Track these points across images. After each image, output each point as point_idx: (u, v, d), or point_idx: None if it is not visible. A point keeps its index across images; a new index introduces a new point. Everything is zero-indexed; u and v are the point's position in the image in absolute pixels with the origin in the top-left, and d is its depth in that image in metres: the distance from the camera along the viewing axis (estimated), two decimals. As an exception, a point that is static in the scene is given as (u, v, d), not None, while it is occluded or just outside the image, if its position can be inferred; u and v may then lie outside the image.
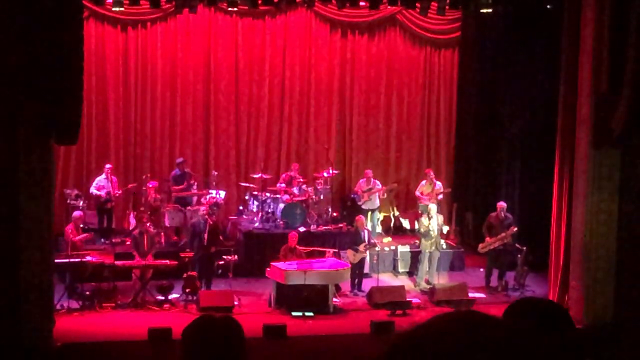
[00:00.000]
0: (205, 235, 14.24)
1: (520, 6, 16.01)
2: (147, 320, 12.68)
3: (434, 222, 15.10)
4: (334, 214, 17.19)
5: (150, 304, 13.68)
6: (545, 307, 2.62)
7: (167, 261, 14.09)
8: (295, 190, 16.90)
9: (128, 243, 15.10)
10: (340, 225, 16.50)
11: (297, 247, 14.44)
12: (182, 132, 17.93)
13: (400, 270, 16.10)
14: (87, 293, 13.51)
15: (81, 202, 16.12)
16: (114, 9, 15.90)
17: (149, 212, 15.75)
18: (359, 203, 17.21)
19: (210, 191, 16.65)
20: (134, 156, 17.80)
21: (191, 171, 17.14)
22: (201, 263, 14.33)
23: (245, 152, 18.30)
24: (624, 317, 12.39)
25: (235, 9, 16.43)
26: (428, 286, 14.94)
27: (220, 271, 14.39)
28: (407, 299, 14.04)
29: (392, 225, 18.21)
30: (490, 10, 15.74)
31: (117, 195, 16.44)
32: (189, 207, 16.41)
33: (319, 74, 18.37)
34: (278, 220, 16.44)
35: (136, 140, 17.76)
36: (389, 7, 17.11)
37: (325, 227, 16.47)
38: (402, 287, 14.51)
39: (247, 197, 17.31)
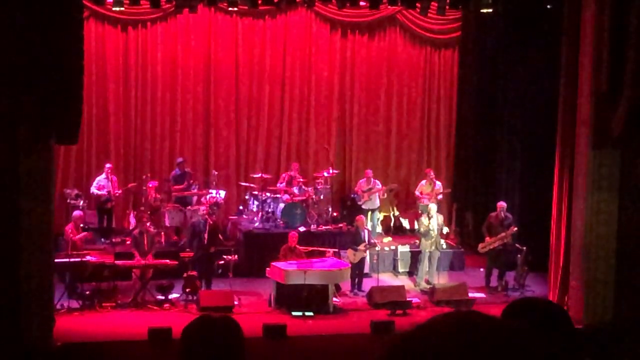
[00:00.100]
0: (205, 235, 14.24)
1: (520, 6, 16.00)
2: (147, 320, 12.67)
3: (433, 221, 15.11)
4: (334, 214, 17.20)
5: (150, 304, 13.68)
6: (544, 307, 2.62)
7: (167, 261, 14.10)
8: (295, 190, 16.90)
9: (128, 243, 15.11)
10: (340, 225, 16.50)
11: (297, 246, 14.44)
12: (182, 132, 17.92)
13: (400, 270, 16.11)
14: (87, 293, 13.51)
15: (81, 202, 16.13)
16: (114, 8, 15.89)
17: (149, 212, 15.76)
18: (359, 203, 17.21)
19: (210, 191, 16.64)
20: (134, 156, 17.80)
21: (191, 171, 17.16)
22: (201, 263, 14.32)
23: (245, 151, 18.29)
24: (624, 317, 12.37)
25: (235, 8, 16.42)
26: (428, 286, 14.95)
27: (220, 271, 14.39)
28: (407, 299, 14.03)
29: (392, 225, 18.21)
30: (490, 10, 15.72)
31: (117, 194, 16.45)
32: (189, 207, 16.42)
33: (319, 73, 18.37)
34: (278, 220, 16.44)
35: (136, 140, 17.76)
36: (389, 7, 17.10)
37: (325, 227, 16.47)
38: (402, 287, 14.51)
39: (247, 197, 17.32)
